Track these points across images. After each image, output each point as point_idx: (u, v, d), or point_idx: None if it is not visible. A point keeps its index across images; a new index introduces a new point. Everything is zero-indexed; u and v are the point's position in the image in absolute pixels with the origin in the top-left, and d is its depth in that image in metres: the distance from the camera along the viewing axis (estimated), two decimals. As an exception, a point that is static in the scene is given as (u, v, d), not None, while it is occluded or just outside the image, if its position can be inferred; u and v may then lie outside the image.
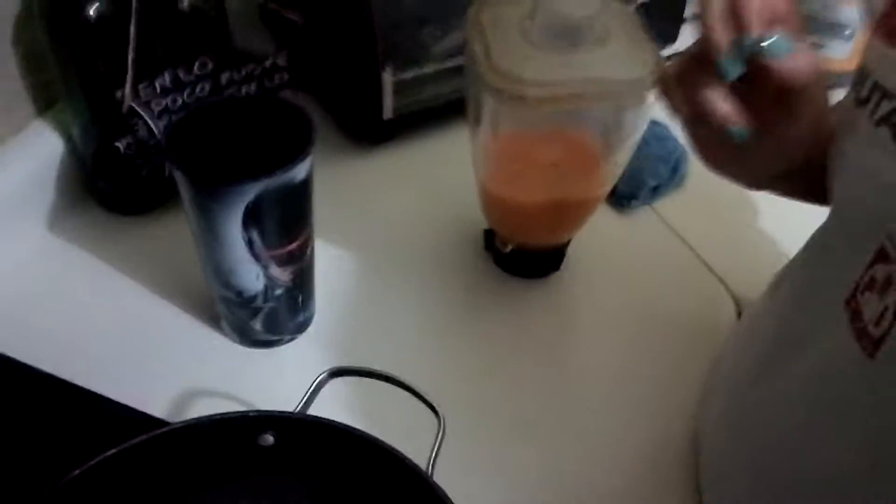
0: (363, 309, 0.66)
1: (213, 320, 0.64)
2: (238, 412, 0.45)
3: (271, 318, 0.61)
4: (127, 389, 0.58)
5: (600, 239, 0.69)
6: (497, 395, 0.60)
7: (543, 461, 0.56)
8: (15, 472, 0.52)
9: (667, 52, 0.55)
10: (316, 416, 0.45)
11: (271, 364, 0.62)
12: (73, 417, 0.56)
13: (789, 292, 0.49)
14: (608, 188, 0.64)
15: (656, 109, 0.54)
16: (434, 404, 0.46)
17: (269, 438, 0.45)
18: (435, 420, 0.46)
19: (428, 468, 0.43)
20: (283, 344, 0.63)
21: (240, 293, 0.59)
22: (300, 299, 0.62)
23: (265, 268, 0.58)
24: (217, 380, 0.60)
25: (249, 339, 0.63)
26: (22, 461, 0.53)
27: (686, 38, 0.90)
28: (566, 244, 0.69)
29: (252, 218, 0.54)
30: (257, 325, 0.61)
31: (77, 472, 0.42)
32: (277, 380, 0.61)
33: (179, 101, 0.68)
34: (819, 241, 0.47)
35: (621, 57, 0.56)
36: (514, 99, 0.56)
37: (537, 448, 0.57)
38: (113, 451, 0.43)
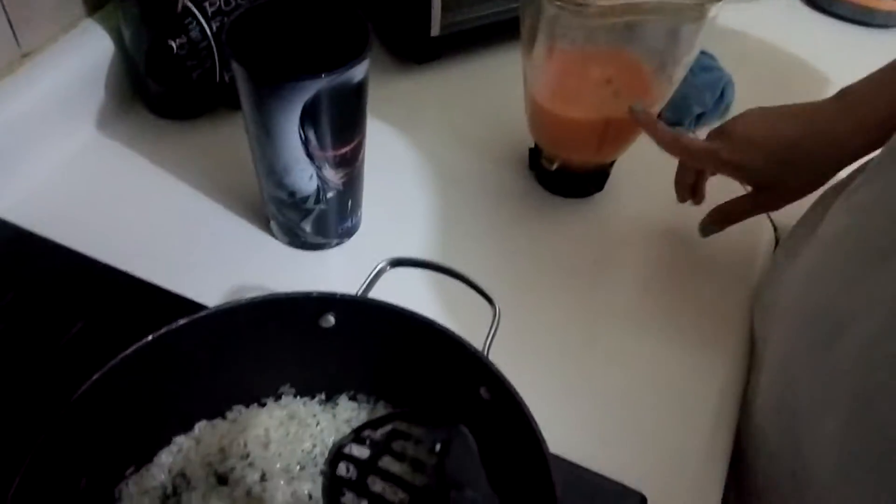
0: (408, 220, 0.67)
1: (263, 222, 0.65)
2: (301, 292, 0.46)
3: (321, 221, 0.63)
4: (177, 285, 0.59)
5: (644, 162, 0.70)
6: (538, 305, 0.61)
7: (586, 362, 0.58)
8: (69, 354, 0.54)
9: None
10: (376, 300, 0.46)
11: (319, 266, 0.63)
12: (128, 303, 0.57)
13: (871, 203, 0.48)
14: (659, 108, 0.64)
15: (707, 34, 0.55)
16: (488, 293, 0.47)
17: (331, 320, 0.47)
18: (487, 313, 0.48)
19: (484, 346, 0.45)
20: (330, 248, 0.65)
21: (292, 193, 0.60)
22: (349, 204, 0.63)
23: (319, 168, 0.59)
24: (266, 279, 0.62)
25: (299, 240, 0.64)
26: (75, 343, 0.54)
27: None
28: (610, 165, 0.69)
29: (309, 116, 0.55)
30: (307, 227, 0.63)
31: (140, 344, 0.44)
32: (324, 281, 0.62)
33: (233, 2, 0.68)
34: None
35: (683, -29, 0.56)
36: (575, 9, 0.56)
37: (581, 349, 0.59)
38: (182, 321, 0.44)
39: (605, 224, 0.69)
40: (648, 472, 0.52)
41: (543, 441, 0.41)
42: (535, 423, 0.42)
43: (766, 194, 0.59)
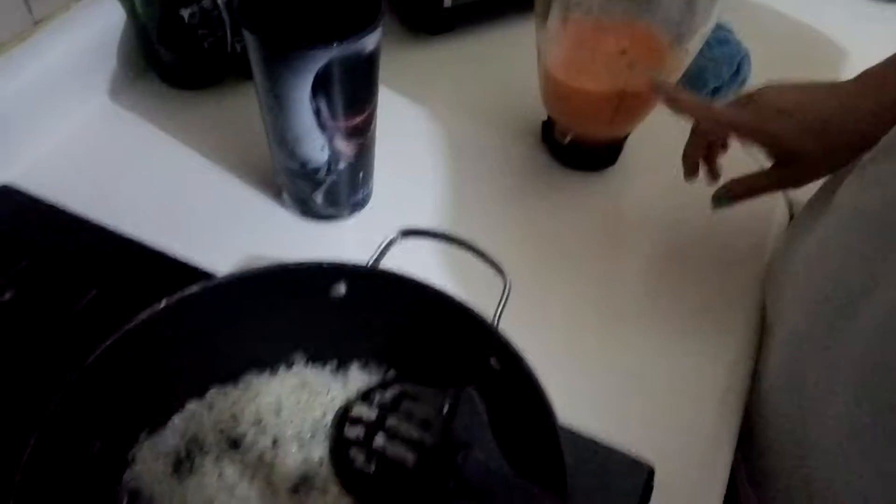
0: (419, 191, 0.67)
1: (275, 192, 0.65)
2: (312, 261, 0.46)
3: (332, 193, 0.63)
4: (188, 254, 0.60)
5: (657, 137, 0.69)
6: (549, 278, 0.61)
7: (596, 335, 0.58)
8: (83, 321, 0.54)
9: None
10: (388, 270, 0.46)
11: (331, 238, 0.64)
12: (141, 272, 0.58)
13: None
14: (674, 80, 0.63)
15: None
16: (499, 265, 0.47)
17: (342, 290, 0.47)
18: (498, 285, 0.48)
19: (494, 316, 0.45)
20: (341, 219, 0.65)
21: (304, 164, 0.60)
22: (361, 175, 0.63)
23: (330, 139, 0.59)
24: (277, 250, 0.62)
25: (310, 212, 0.64)
26: (89, 310, 0.55)
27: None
28: (624, 139, 0.69)
29: (321, 86, 0.55)
30: (318, 198, 0.63)
31: (153, 310, 0.44)
32: (336, 252, 0.62)
33: (246, -29, 0.67)
34: None
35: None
36: (591, -23, 0.55)
37: (591, 323, 0.59)
38: (194, 288, 0.45)
39: (618, 199, 0.69)
40: (657, 446, 0.52)
41: (553, 411, 0.42)
42: (545, 393, 0.42)
43: (791, 169, 0.58)
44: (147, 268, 0.58)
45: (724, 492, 0.53)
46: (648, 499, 0.50)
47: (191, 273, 0.57)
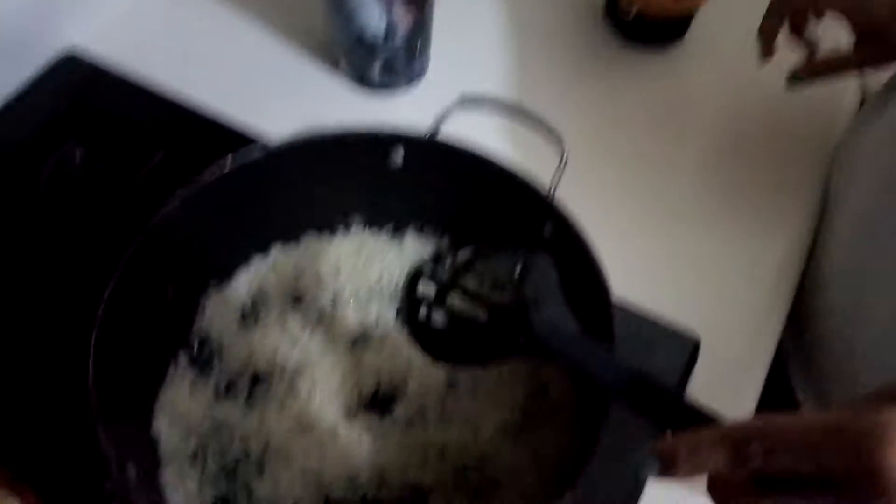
0: (478, 64, 0.66)
1: (333, 63, 0.65)
2: (370, 128, 0.47)
3: (389, 62, 0.62)
4: (246, 121, 0.60)
5: (729, 11, 0.66)
6: (607, 152, 0.61)
7: (651, 211, 0.58)
8: (151, 181, 0.56)
9: None
10: (445, 138, 0.47)
11: (388, 108, 0.64)
12: (203, 136, 0.59)
13: None
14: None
15: None
16: (558, 134, 0.47)
17: (400, 157, 0.48)
18: (555, 157, 0.48)
19: (550, 190, 0.45)
20: (398, 89, 0.64)
21: (361, 33, 0.59)
22: (418, 45, 0.62)
23: (388, 8, 0.58)
24: (335, 121, 0.62)
25: (368, 82, 0.64)
26: (157, 171, 0.57)
27: None
28: (692, 13, 0.66)
29: (381, -50, 0.54)
30: (376, 68, 0.62)
31: (219, 169, 0.45)
32: (392, 122, 0.62)
33: None
34: None
35: None
36: None
37: (647, 199, 0.59)
38: (258, 149, 0.46)
39: (683, 76, 0.66)
40: (705, 322, 0.53)
41: (606, 281, 0.42)
42: (599, 262, 0.43)
43: (876, 47, 0.54)
44: (209, 134, 0.59)
45: (768, 370, 0.54)
46: (692, 371, 0.52)
47: (250, 140, 0.58)
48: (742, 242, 0.57)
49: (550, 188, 0.46)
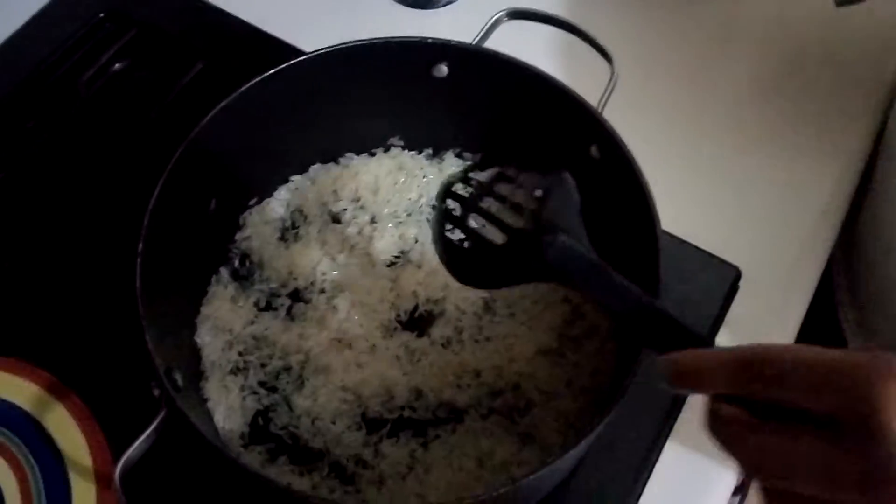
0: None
1: (373, -23, 0.63)
2: (416, 37, 0.46)
3: (431, -23, 0.60)
4: (285, 35, 0.59)
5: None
6: (659, 75, 0.59)
7: (700, 137, 0.57)
8: (191, 92, 0.56)
9: None
10: (493, 50, 0.45)
11: (428, 26, 0.62)
12: (243, 48, 0.58)
13: None
14: None
15: None
16: (608, 52, 0.45)
17: (444, 69, 0.46)
18: (605, 75, 0.46)
19: (598, 106, 0.44)
20: (438, 6, 0.62)
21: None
22: (462, -41, 0.60)
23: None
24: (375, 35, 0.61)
25: (409, -2, 0.62)
26: (196, 82, 0.56)
27: None
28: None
29: None
30: (417, -18, 0.60)
31: (261, 77, 0.44)
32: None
33: None
34: None
35: None
36: None
37: (696, 123, 0.57)
38: (299, 58, 0.45)
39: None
40: (748, 252, 0.52)
41: (653, 204, 0.41)
42: (646, 184, 0.42)
43: None
44: (249, 46, 0.58)
45: (810, 302, 0.53)
46: (732, 300, 0.51)
47: (290, 51, 0.57)
48: (792, 169, 0.56)
49: (599, 106, 0.44)
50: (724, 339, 0.49)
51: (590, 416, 0.44)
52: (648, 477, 0.45)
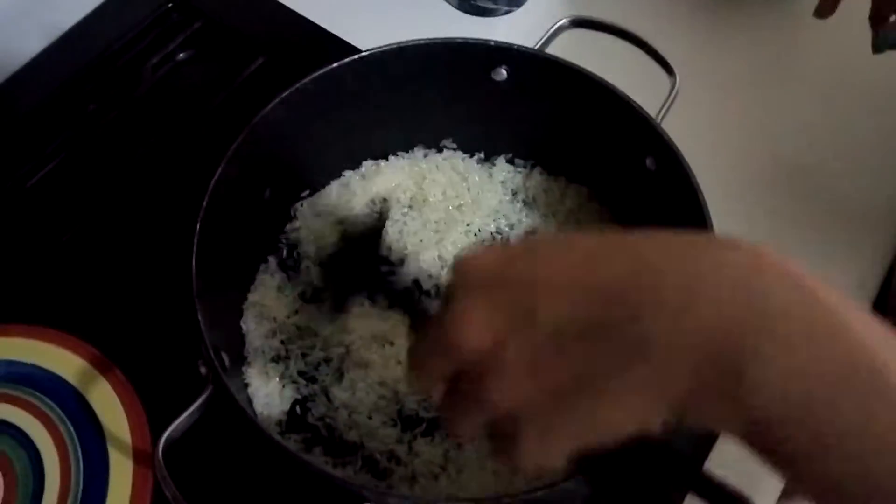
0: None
1: (435, -16, 0.64)
2: (478, 39, 0.46)
3: (492, -15, 0.60)
4: (345, 36, 0.60)
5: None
6: (718, 87, 0.59)
7: (761, 153, 0.56)
8: (252, 85, 0.57)
9: None
10: (554, 56, 0.45)
11: (488, 31, 0.62)
12: (305, 45, 0.59)
13: None
14: None
15: None
16: (669, 63, 0.45)
17: (503, 73, 0.46)
18: (665, 86, 0.46)
19: (657, 117, 0.43)
20: (499, 14, 0.63)
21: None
22: (523, -32, 0.60)
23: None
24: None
25: (468, 3, 0.62)
26: (257, 76, 0.57)
27: None
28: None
29: None
30: (478, -10, 0.61)
31: (320, 72, 0.45)
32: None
33: None
34: None
35: None
36: None
37: (758, 139, 0.57)
38: (360, 54, 0.45)
39: (799, 22, 0.62)
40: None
41: (709, 218, 0.41)
42: (703, 199, 0.41)
43: None
44: (310, 43, 0.59)
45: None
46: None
47: (350, 50, 0.57)
48: (849, 194, 0.54)
49: (658, 117, 0.44)
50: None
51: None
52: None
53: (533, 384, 0.25)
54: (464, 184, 0.52)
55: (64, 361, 0.47)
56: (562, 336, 0.24)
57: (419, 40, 0.46)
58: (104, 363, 0.47)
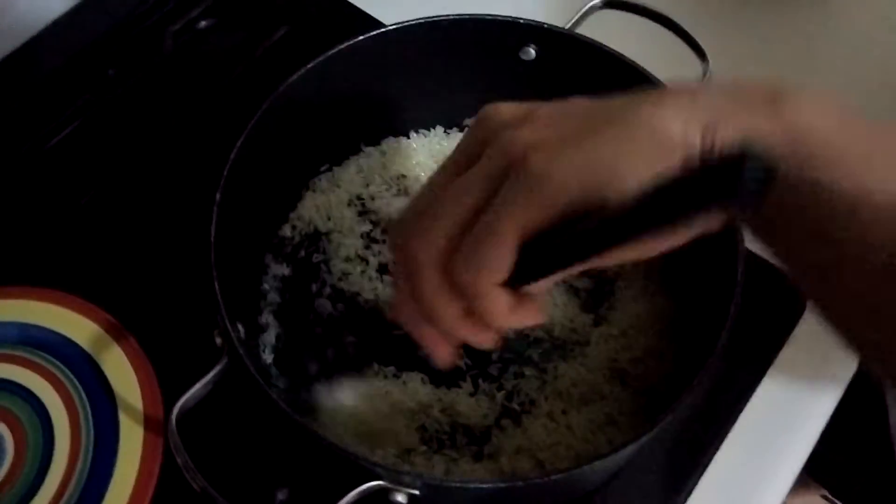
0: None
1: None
2: (507, 16, 0.45)
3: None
4: (371, 9, 0.59)
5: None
6: (761, 64, 0.57)
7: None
8: (274, 55, 0.56)
9: None
10: (585, 36, 0.44)
11: (517, 9, 0.60)
12: (326, 17, 0.58)
13: None
14: None
15: None
16: (702, 48, 0.44)
17: (532, 52, 0.46)
18: (698, 71, 0.45)
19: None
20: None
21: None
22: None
23: None
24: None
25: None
26: (279, 46, 0.56)
27: None
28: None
29: None
30: (507, -34, 0.60)
31: (345, 44, 0.44)
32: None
33: None
34: None
35: None
36: None
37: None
38: (385, 28, 0.44)
39: (837, 16, 0.61)
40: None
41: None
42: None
43: None
44: (334, 14, 0.58)
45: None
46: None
47: (373, 24, 0.57)
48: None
49: (688, 105, 0.43)
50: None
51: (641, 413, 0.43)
52: (702, 473, 0.43)
53: (552, 130, 0.30)
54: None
55: (78, 326, 0.47)
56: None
57: (448, 16, 0.45)
58: (118, 330, 0.47)
